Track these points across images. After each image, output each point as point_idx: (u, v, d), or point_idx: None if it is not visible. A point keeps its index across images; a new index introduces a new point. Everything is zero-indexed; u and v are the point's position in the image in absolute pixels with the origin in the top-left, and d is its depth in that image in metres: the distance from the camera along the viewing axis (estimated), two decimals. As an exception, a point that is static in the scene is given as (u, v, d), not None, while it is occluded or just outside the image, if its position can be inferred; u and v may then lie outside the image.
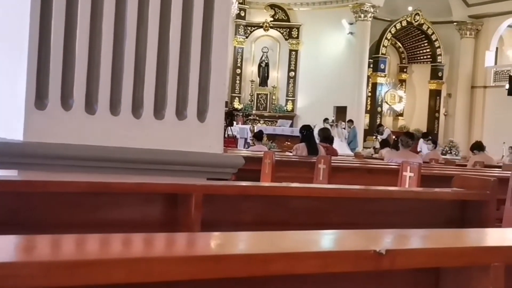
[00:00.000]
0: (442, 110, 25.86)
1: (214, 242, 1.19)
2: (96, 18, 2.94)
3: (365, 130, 23.47)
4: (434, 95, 25.71)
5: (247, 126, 21.28)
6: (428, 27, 24.71)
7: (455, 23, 25.21)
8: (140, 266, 0.98)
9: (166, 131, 3.15)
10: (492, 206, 2.71)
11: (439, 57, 25.22)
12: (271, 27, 25.10)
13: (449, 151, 19.44)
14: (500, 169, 8.84)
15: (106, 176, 2.80)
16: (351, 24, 23.64)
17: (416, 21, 24.34)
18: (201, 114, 3.23)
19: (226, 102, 23.21)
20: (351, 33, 23.75)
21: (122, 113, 3.04)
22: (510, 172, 4.52)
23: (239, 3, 24.08)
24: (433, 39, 24.98)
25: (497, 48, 25.91)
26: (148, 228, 2.21)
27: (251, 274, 1.03)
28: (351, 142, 19.50)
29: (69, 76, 2.91)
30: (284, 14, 25.06)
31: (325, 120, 19.08)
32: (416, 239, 1.42)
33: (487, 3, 24.12)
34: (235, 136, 19.65)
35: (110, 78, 2.99)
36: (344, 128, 20.27)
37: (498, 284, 1.24)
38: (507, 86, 22.73)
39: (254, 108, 24.96)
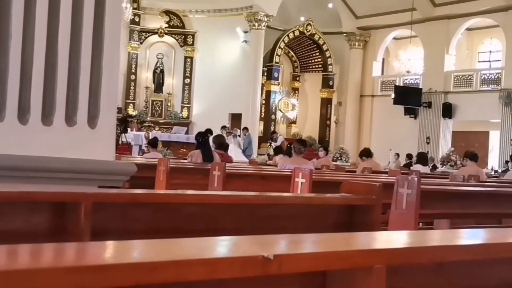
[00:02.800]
0: (333, 118, 26.73)
1: (101, 251, 1.16)
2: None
3: (259, 137, 23.80)
4: (326, 103, 26.55)
5: (142, 133, 20.96)
6: (320, 37, 25.49)
7: (344, 34, 26.19)
8: (25, 277, 0.94)
9: (54, 137, 3.04)
10: (378, 210, 2.82)
11: (330, 67, 26.08)
12: (166, 34, 24.94)
13: (339, 158, 20.09)
14: (387, 175, 9.25)
15: (-11, 184, 2.65)
16: (245, 32, 23.95)
17: (308, 31, 25.04)
18: (92, 120, 3.15)
19: (120, 109, 22.77)
20: (245, 41, 24.06)
21: (7, 118, 2.90)
22: (395, 178, 4.73)
23: (134, 8, 23.76)
24: (324, 49, 25.81)
25: (383, 59, 27.16)
26: (34, 238, 2.12)
27: (139, 283, 1.01)
28: (246, 149, 19.68)
29: None
30: (179, 20, 24.97)
31: (223, 127, 19.16)
32: (304, 243, 1.46)
33: (374, 16, 25.25)
34: (129, 143, 19.29)
35: (-6, 82, 2.84)
36: (239, 136, 20.45)
37: (380, 285, 1.29)
38: (392, 95, 23.85)
39: (149, 115, 24.66)
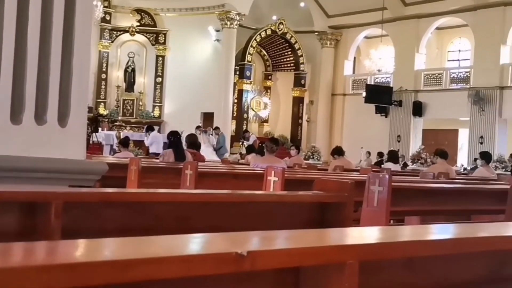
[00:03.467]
0: (305, 117, 26.84)
1: (72, 250, 1.15)
2: None
3: (232, 136, 23.78)
4: (297, 102, 26.65)
5: (113, 132, 20.80)
6: (291, 36, 25.58)
7: (316, 33, 26.31)
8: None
9: (24, 136, 3.00)
10: (350, 208, 2.85)
11: (301, 65, 26.19)
12: (138, 32, 24.77)
13: (311, 156, 20.17)
14: (358, 173, 9.32)
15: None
16: (217, 31, 23.91)
17: (280, 30, 25.10)
18: (62, 118, 3.11)
19: (91, 108, 22.56)
20: (217, 40, 24.03)
21: (-25, 117, 2.85)
22: (366, 176, 4.78)
23: (104, 6, 23.54)
24: (296, 48, 25.90)
25: (355, 58, 27.36)
26: (4, 238, 2.09)
27: (112, 281, 1.00)
28: (220, 148, 19.65)
29: None
30: (150, 19, 24.82)
31: (198, 127, 19.09)
32: (278, 240, 1.46)
33: (346, 15, 25.42)
34: (100, 143, 19.13)
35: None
36: (212, 135, 20.40)
37: (352, 281, 1.31)
38: (364, 94, 24.04)
39: (120, 114, 24.47)
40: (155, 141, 17.10)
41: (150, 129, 17.92)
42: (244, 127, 24.68)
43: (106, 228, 2.29)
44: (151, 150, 16.96)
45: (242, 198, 2.72)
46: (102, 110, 23.85)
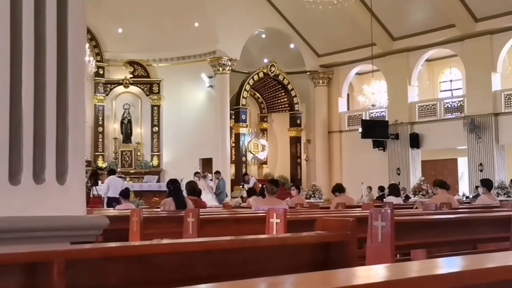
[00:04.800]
0: (303, 156, 26.86)
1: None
2: None
3: (231, 180, 23.76)
4: (295, 141, 26.71)
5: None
6: (284, 78, 25.81)
7: (308, 73, 26.57)
8: None
9: (22, 196, 2.99)
10: (353, 245, 2.83)
11: (296, 106, 26.34)
12: (131, 84, 25.00)
13: (312, 195, 20.11)
14: (360, 209, 9.29)
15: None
16: (210, 77, 24.15)
17: (272, 72, 25.35)
18: (60, 176, 3.11)
19: (89, 161, 22.58)
20: (211, 86, 24.24)
21: (-28, 180, 2.85)
22: (369, 211, 4.75)
23: (97, 61, 23.81)
24: (289, 89, 26.11)
25: (348, 95, 27.55)
26: (6, 302, 2.06)
27: None
28: (220, 193, 19.58)
29: None
30: (143, 70, 25.08)
31: (196, 173, 19.07)
32: (284, 285, 1.45)
33: (335, 53, 25.72)
34: (101, 196, 19.04)
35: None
36: (211, 180, 20.37)
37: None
38: (360, 130, 24.13)
39: (119, 166, 24.47)
40: (112, 185, 16.79)
41: (111, 172, 17.84)
42: (244, 170, 24.67)
43: (109, 283, 2.27)
44: (108, 194, 16.55)
45: (244, 243, 2.70)
46: (100, 163, 23.86)
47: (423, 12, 22.52)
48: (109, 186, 16.84)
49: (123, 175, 23.93)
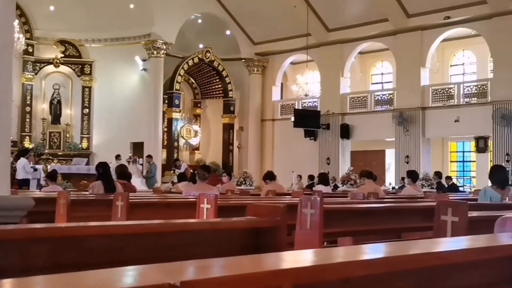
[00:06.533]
0: (235, 143, 26.93)
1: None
2: None
3: (163, 165, 23.57)
4: (228, 128, 26.74)
5: (40, 166, 20.16)
6: (219, 64, 25.74)
7: (243, 60, 26.59)
8: None
9: None
10: (283, 231, 2.86)
11: (230, 92, 26.34)
12: (62, 63, 24.32)
13: (243, 182, 20.23)
14: (290, 196, 9.40)
15: None
16: (144, 60, 23.80)
17: (207, 58, 25.23)
18: (-16, 154, 3.00)
19: (15, 142, 21.85)
20: (144, 69, 23.90)
21: None
22: (298, 199, 4.81)
23: (27, 38, 23.01)
24: (224, 75, 26.07)
25: (282, 84, 27.76)
26: None
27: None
28: (152, 177, 19.39)
29: None
30: (75, 50, 24.45)
31: (117, 156, 18.78)
32: (212, 268, 1.45)
33: (271, 42, 25.84)
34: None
35: None
36: (142, 164, 20.13)
37: (289, 304, 1.30)
38: (292, 119, 24.38)
39: (47, 147, 23.84)
40: (22, 168, 16.77)
41: (22, 153, 17.75)
42: (175, 155, 24.52)
43: (35, 265, 2.21)
44: (18, 177, 16.60)
45: (175, 227, 2.69)
46: (27, 144, 23.15)
47: (358, 5, 22.90)
48: (21, 168, 16.59)
49: (50, 157, 23.38)
